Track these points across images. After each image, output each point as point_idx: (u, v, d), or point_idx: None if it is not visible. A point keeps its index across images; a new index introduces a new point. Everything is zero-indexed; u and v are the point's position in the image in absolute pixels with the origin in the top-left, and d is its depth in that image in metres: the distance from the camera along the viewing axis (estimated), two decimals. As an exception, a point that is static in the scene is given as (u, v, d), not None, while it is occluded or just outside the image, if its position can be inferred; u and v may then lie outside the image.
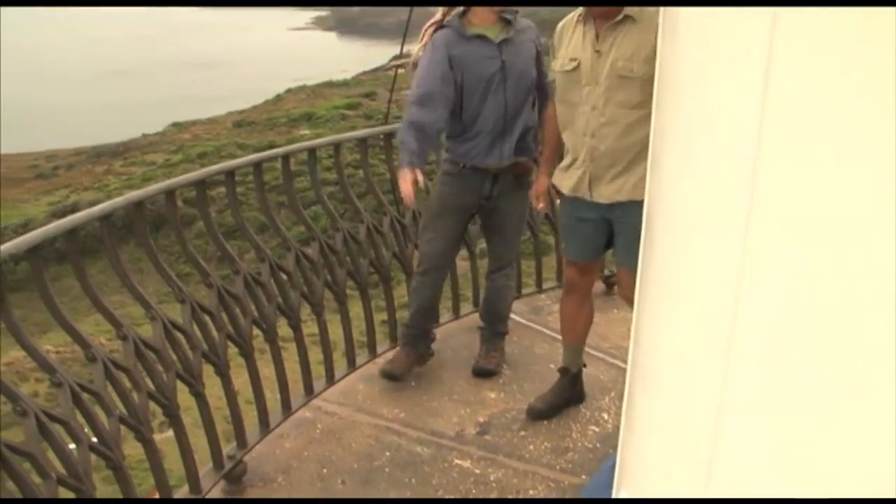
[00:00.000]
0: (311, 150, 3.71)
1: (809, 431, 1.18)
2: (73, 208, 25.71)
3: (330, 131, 25.61)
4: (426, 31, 3.45)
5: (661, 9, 1.88)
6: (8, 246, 2.41)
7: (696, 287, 1.42)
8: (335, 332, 3.68)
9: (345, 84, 40.86)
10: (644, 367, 1.62)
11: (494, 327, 3.88)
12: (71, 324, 2.62)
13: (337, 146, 3.95)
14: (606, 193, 3.05)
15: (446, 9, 3.42)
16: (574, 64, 3.02)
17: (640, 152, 2.91)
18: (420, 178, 3.34)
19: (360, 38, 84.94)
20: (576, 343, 3.49)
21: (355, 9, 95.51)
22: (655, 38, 2.69)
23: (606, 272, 4.58)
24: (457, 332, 4.18)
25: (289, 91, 43.88)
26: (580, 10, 3.06)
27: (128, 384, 2.72)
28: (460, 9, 3.40)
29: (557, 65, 3.10)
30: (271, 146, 24.94)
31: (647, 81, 2.76)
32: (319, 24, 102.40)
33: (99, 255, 4.59)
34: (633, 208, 2.85)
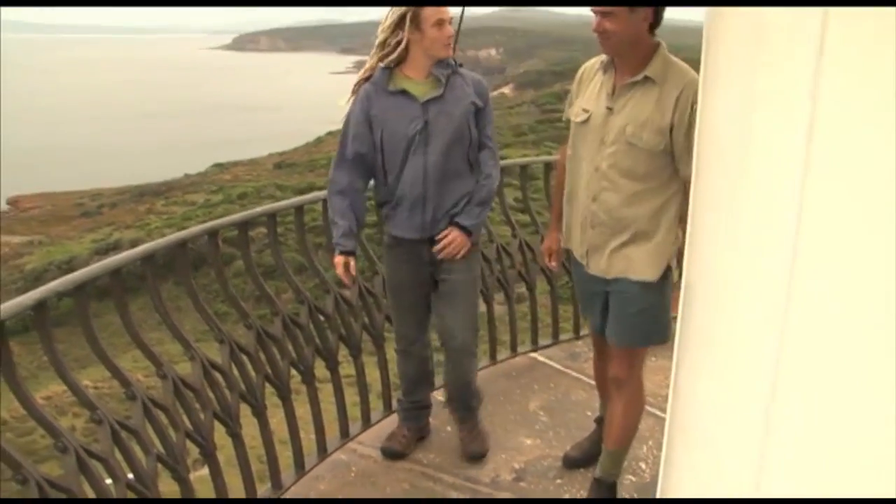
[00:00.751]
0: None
1: (849, 493, 1.15)
2: (115, 246, 26.23)
3: (368, 174, 25.88)
4: (355, 85, 3.16)
5: (702, 65, 1.89)
6: (56, 283, 2.48)
7: (736, 339, 1.41)
8: (371, 374, 3.69)
9: (384, 127, 41.32)
10: (683, 419, 1.60)
11: (467, 403, 3.50)
12: (113, 362, 2.66)
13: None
14: (602, 266, 2.83)
15: (375, 60, 3.11)
16: (585, 116, 2.79)
17: (642, 228, 2.71)
18: (352, 265, 3.13)
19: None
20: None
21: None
22: (673, 110, 2.55)
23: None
24: (493, 377, 4.15)
25: (329, 134, 44.60)
26: (604, 56, 2.80)
27: (165, 421, 2.75)
28: (392, 57, 3.06)
29: (572, 112, 2.86)
30: (311, 188, 25.26)
31: (656, 154, 2.65)
32: (360, 67, 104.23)
33: (139, 293, 4.64)
34: (629, 282, 2.78)
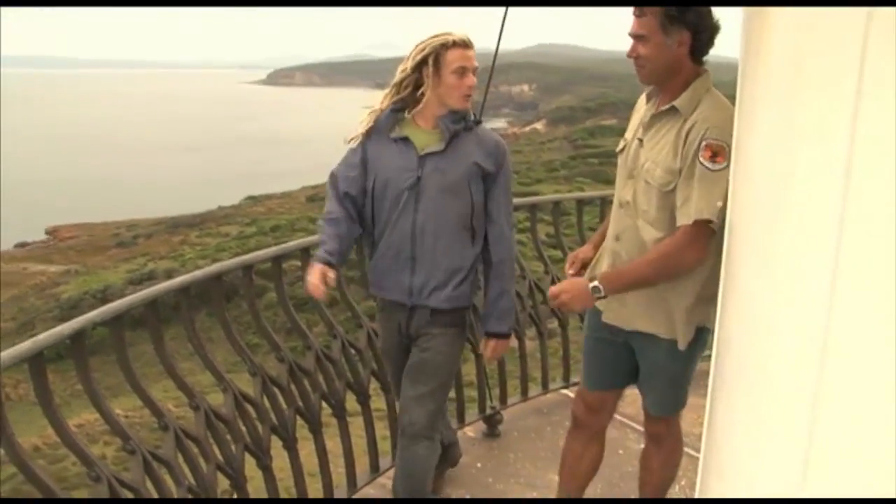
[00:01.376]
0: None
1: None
2: (150, 276, 26.57)
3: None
4: (367, 116, 2.86)
5: (738, 100, 1.89)
6: (94, 314, 2.52)
7: (773, 379, 1.39)
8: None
9: (418, 162, 41.54)
10: (718, 459, 1.58)
11: (410, 499, 2.97)
12: (147, 393, 2.69)
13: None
14: (618, 315, 2.59)
15: (388, 102, 2.81)
16: (622, 146, 2.63)
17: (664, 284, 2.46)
18: (330, 275, 2.70)
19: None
20: (576, 492, 2.94)
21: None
22: (686, 142, 2.34)
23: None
24: (524, 414, 4.12)
25: (362, 168, 44.88)
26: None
27: (196, 451, 2.76)
28: (403, 97, 2.79)
29: (620, 141, 2.70)
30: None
31: (665, 195, 2.41)
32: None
33: (171, 323, 4.68)
34: (655, 344, 2.55)
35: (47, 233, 45.57)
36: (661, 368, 2.61)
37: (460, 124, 2.78)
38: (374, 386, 3.55)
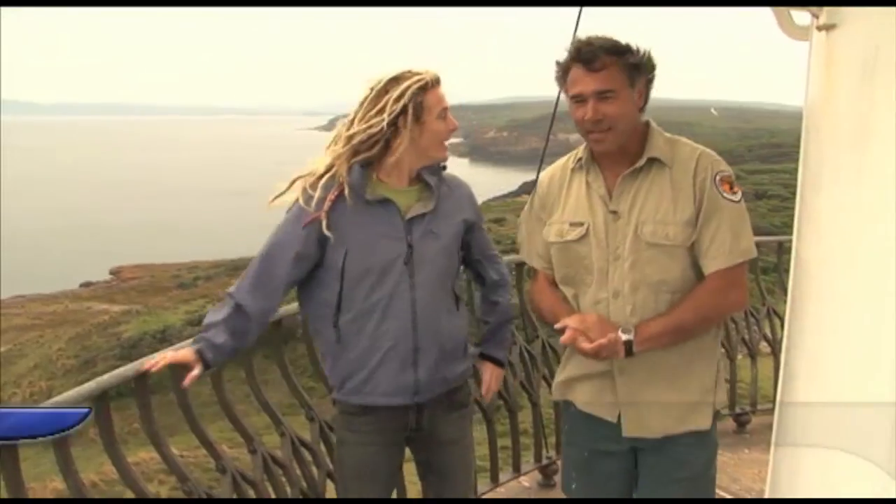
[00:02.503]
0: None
1: None
2: (208, 317, 26.96)
3: (458, 257, 26.13)
4: (305, 186, 2.29)
5: (802, 144, 1.87)
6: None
7: (843, 433, 1.35)
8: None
9: (475, 208, 41.60)
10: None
11: None
12: (207, 436, 2.72)
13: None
14: (648, 423, 2.13)
15: (345, 159, 2.25)
16: (580, 231, 2.14)
17: (692, 359, 2.11)
18: (194, 374, 2.20)
19: (491, 165, 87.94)
20: None
21: (488, 136, 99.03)
22: (694, 191, 2.04)
23: (738, 409, 4.38)
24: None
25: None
26: (576, 152, 2.23)
27: (252, 495, 2.78)
28: (370, 155, 2.26)
29: (552, 233, 2.21)
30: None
31: (688, 251, 2.07)
32: (452, 150, 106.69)
33: (229, 364, 4.76)
34: (678, 442, 2.12)
35: (111, 273, 46.77)
36: (688, 458, 2.14)
37: (438, 174, 2.36)
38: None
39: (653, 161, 2.08)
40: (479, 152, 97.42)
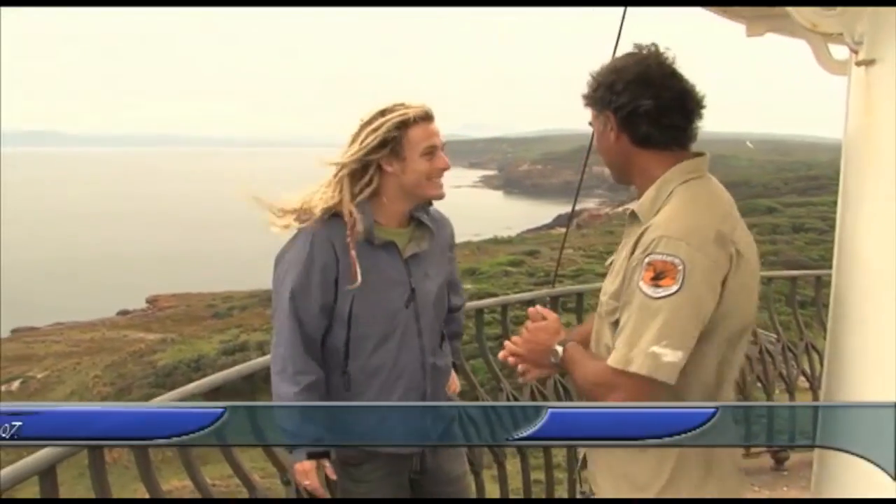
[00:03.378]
0: (479, 311, 4.04)
1: None
2: (242, 348, 27.08)
3: (492, 286, 26.04)
4: (304, 229, 2.24)
5: (842, 176, 1.85)
6: (192, 386, 2.63)
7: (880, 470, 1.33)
8: (492, 490, 3.62)
9: (509, 241, 41.53)
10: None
11: None
12: (242, 468, 2.73)
13: (504, 307, 4.12)
14: (602, 484, 1.90)
15: (349, 197, 2.17)
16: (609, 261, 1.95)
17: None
18: (327, 467, 2.22)
19: (525, 198, 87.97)
20: None
21: (521, 168, 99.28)
22: (630, 259, 1.74)
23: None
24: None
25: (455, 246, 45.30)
26: None
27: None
28: (373, 187, 2.19)
29: None
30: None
31: (613, 325, 1.78)
32: (486, 182, 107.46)
33: (262, 392, 4.80)
34: None
35: (147, 302, 47.29)
36: None
37: (426, 211, 2.32)
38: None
39: (633, 214, 1.85)
40: (513, 185, 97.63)
